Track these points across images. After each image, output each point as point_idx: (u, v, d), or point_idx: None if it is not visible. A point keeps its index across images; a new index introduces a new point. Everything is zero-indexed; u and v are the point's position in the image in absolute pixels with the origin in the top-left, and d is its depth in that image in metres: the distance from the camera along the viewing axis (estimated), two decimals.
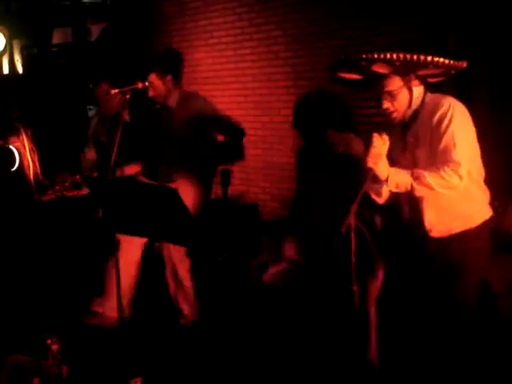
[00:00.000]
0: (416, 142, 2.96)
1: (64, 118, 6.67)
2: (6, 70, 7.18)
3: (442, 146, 2.83)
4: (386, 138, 2.81)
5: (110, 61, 6.74)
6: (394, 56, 2.76)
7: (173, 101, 4.31)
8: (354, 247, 2.79)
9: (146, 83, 3.73)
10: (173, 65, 4.35)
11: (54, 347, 3.58)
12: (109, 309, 4.23)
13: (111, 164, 3.32)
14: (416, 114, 2.97)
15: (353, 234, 2.77)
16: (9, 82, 6.85)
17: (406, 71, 2.89)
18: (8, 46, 6.83)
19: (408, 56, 2.76)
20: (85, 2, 7.26)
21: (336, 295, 3.55)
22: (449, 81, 3.11)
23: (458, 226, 3.00)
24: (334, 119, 3.68)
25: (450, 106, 2.85)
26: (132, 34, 6.80)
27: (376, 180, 2.88)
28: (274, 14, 5.47)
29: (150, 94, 4.19)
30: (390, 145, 2.87)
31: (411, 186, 2.82)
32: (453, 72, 2.96)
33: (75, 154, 4.87)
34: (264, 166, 5.76)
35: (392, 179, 2.82)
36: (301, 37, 5.29)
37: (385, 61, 2.80)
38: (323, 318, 3.68)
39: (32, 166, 4.63)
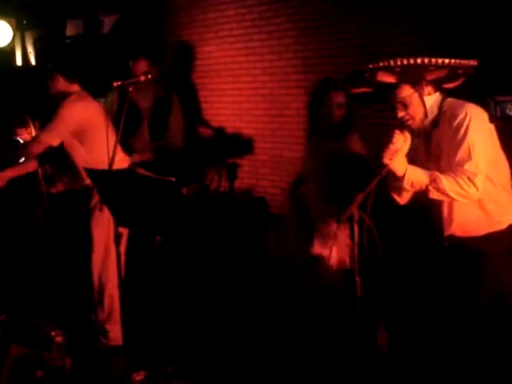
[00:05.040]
0: (438, 151, 2.95)
1: None
2: (19, 62, 7.21)
3: (458, 156, 2.81)
4: (407, 135, 2.80)
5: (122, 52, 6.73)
6: (391, 62, 2.74)
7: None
8: (356, 238, 2.78)
9: (149, 76, 3.70)
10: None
11: (58, 339, 3.60)
12: None
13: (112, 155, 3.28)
14: (435, 122, 2.94)
15: (355, 225, 2.76)
16: (21, 74, 6.88)
17: (413, 78, 2.86)
18: (20, 38, 6.86)
19: (405, 60, 2.73)
20: None
21: (340, 284, 3.57)
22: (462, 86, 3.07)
23: (483, 229, 2.98)
24: None
25: (466, 115, 2.81)
26: (143, 26, 6.79)
27: (397, 178, 2.86)
28: (285, 6, 5.42)
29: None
30: (413, 154, 2.87)
31: (426, 186, 2.81)
32: (460, 72, 2.90)
33: None
34: (274, 160, 5.73)
35: (408, 176, 2.80)
36: (311, 30, 5.23)
37: (384, 68, 2.77)
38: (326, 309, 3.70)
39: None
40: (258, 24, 5.69)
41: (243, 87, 5.89)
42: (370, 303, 2.97)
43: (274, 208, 5.59)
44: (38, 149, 4.05)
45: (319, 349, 3.73)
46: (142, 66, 4.64)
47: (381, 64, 2.75)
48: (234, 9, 5.86)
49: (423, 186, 2.82)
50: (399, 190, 2.96)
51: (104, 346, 4.12)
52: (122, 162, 4.02)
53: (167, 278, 3.88)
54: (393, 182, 2.91)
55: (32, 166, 4.32)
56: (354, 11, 4.84)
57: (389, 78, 2.84)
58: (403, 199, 3.04)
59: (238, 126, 5.96)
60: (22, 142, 4.45)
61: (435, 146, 2.96)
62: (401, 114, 2.89)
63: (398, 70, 2.78)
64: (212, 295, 4.69)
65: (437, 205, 3.02)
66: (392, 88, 2.87)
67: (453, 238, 3.04)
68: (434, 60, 2.75)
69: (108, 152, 3.42)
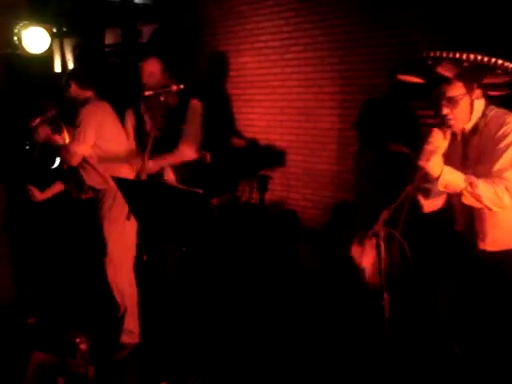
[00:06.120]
0: (477, 157, 2.87)
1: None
2: (57, 69, 7.29)
3: (499, 164, 2.75)
4: (448, 134, 2.71)
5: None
6: (464, 56, 2.65)
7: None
8: (383, 255, 2.71)
9: (181, 86, 3.68)
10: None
11: (83, 346, 3.60)
12: None
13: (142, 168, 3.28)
14: (476, 127, 2.87)
15: (381, 243, 2.70)
16: (60, 81, 6.96)
17: (471, 77, 2.77)
18: (59, 46, 6.95)
19: (479, 57, 2.65)
20: (137, 4, 7.32)
21: (367, 301, 3.51)
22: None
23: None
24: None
25: None
26: (181, 36, 6.81)
27: (427, 179, 2.78)
28: (321, 19, 5.38)
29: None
30: (450, 158, 2.78)
31: (461, 190, 2.73)
32: None
33: None
34: (305, 173, 5.68)
35: (444, 177, 2.71)
36: (347, 43, 5.19)
37: (453, 60, 2.67)
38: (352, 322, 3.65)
39: None
40: (294, 36, 5.66)
41: (278, 99, 5.86)
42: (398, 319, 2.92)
43: (304, 221, 5.54)
44: (75, 161, 4.24)
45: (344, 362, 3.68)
46: (151, 65, 4.37)
47: (450, 55, 2.66)
48: (271, 20, 5.84)
49: (457, 190, 2.74)
50: (427, 192, 2.89)
51: (121, 351, 4.14)
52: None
53: (193, 288, 3.86)
54: (423, 183, 2.84)
55: (59, 187, 4.54)
56: (393, 25, 4.78)
57: (448, 72, 2.75)
58: (428, 205, 2.96)
59: (271, 138, 5.94)
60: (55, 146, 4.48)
61: (472, 152, 2.89)
62: (446, 111, 2.81)
63: (465, 64, 2.69)
64: (239, 307, 4.65)
65: (467, 219, 2.96)
66: (443, 83, 2.78)
67: (485, 253, 2.97)
68: (506, 64, 2.67)
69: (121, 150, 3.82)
